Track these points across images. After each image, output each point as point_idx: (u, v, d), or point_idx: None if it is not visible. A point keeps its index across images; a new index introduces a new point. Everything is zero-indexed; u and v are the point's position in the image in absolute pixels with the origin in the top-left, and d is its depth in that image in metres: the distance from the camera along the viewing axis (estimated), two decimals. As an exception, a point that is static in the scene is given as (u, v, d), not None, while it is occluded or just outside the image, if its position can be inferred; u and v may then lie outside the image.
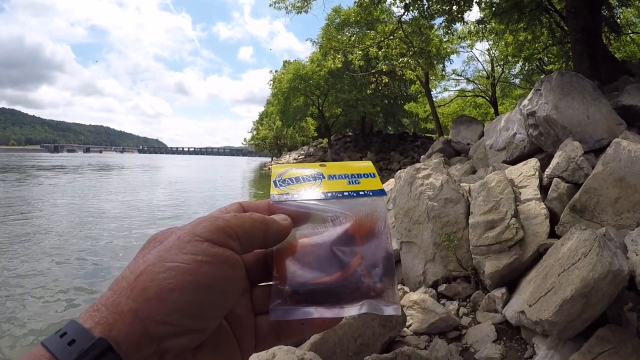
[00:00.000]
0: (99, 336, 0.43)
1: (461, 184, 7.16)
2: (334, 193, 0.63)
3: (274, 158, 72.56)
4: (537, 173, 6.82)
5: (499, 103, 31.90)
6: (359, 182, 0.66)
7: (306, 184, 0.65)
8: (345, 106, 45.17)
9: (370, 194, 0.64)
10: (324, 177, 0.67)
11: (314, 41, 40.02)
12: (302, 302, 0.57)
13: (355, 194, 0.64)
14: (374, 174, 0.69)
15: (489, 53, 29.38)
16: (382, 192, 0.65)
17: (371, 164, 0.72)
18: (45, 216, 17.57)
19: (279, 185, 0.65)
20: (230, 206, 0.61)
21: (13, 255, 11.53)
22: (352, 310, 0.57)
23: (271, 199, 0.63)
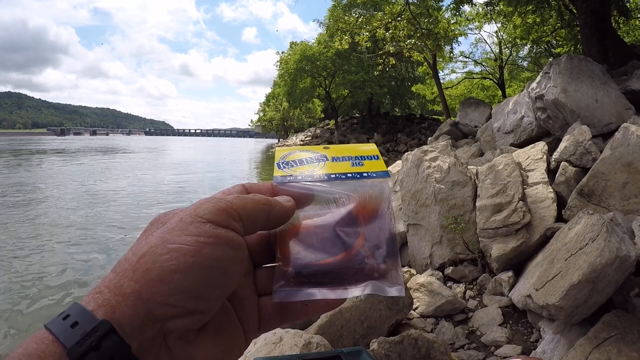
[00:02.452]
0: (101, 318, 0.43)
1: (468, 167, 7.15)
2: (337, 174, 0.63)
3: (280, 139, 72.46)
4: (544, 156, 6.81)
5: (506, 86, 31.68)
6: (362, 164, 0.66)
7: (310, 166, 0.65)
8: (352, 87, 44.95)
9: (374, 175, 0.64)
10: (327, 159, 0.67)
11: (321, 22, 39.80)
12: (305, 283, 0.57)
13: (358, 176, 0.63)
14: (377, 156, 0.68)
15: (497, 35, 29.13)
16: (385, 174, 0.64)
17: (375, 146, 0.71)
18: (54, 199, 17.70)
19: (282, 167, 0.65)
20: (233, 187, 0.61)
21: (18, 238, 11.63)
22: (355, 292, 0.57)
23: (274, 181, 0.62)
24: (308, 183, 0.62)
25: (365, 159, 0.67)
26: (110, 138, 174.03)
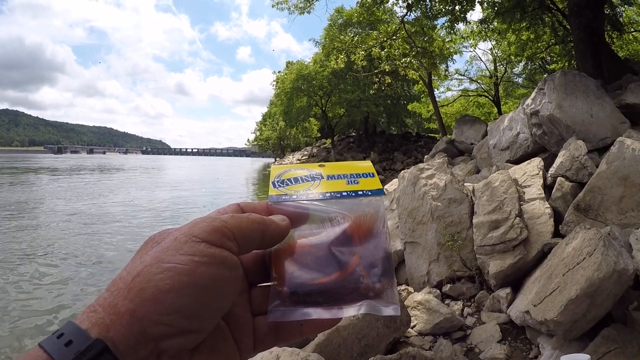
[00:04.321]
0: (96, 337, 0.43)
1: (465, 184, 7.16)
2: (332, 193, 0.63)
3: (277, 159, 72.60)
4: (541, 172, 6.82)
5: (502, 102, 31.89)
6: (357, 182, 0.66)
7: (305, 185, 0.65)
8: (348, 106, 45.15)
9: (369, 193, 0.64)
10: (322, 178, 0.67)
11: (317, 41, 40.05)
12: (300, 303, 0.57)
13: (354, 194, 0.63)
14: (372, 174, 0.68)
15: (492, 52, 29.32)
16: (380, 192, 0.64)
17: (370, 163, 0.71)
18: (48, 217, 17.62)
19: (277, 186, 0.65)
20: (228, 207, 0.61)
21: (14, 256, 11.57)
22: (350, 311, 0.56)
23: (269, 200, 0.62)
24: (303, 202, 0.62)
25: (360, 177, 0.67)
26: (107, 157, 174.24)
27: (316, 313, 0.56)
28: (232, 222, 0.54)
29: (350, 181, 0.66)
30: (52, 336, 0.45)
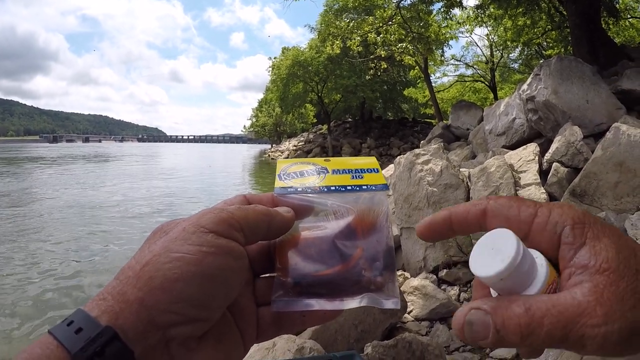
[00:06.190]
0: (105, 324, 0.44)
1: (461, 169, 7.16)
2: (337, 187, 0.64)
3: (273, 145, 72.37)
4: (536, 158, 6.82)
5: (498, 88, 31.81)
6: (362, 177, 0.66)
7: (310, 178, 0.66)
8: (344, 92, 44.92)
9: (373, 188, 0.64)
10: (328, 172, 0.67)
11: (312, 27, 39.83)
12: (303, 294, 0.58)
13: (358, 188, 0.64)
14: (377, 169, 0.69)
15: (488, 38, 29.22)
16: (384, 187, 0.65)
17: (375, 159, 0.72)
18: (48, 206, 17.55)
19: (283, 179, 0.65)
20: (234, 198, 0.62)
21: (16, 245, 11.55)
22: (352, 303, 0.57)
23: (275, 192, 0.63)
24: (308, 195, 0.63)
25: (365, 172, 0.68)
26: (103, 145, 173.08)
27: (318, 304, 0.57)
28: (239, 214, 0.55)
29: (355, 176, 0.67)
30: (62, 324, 0.45)
